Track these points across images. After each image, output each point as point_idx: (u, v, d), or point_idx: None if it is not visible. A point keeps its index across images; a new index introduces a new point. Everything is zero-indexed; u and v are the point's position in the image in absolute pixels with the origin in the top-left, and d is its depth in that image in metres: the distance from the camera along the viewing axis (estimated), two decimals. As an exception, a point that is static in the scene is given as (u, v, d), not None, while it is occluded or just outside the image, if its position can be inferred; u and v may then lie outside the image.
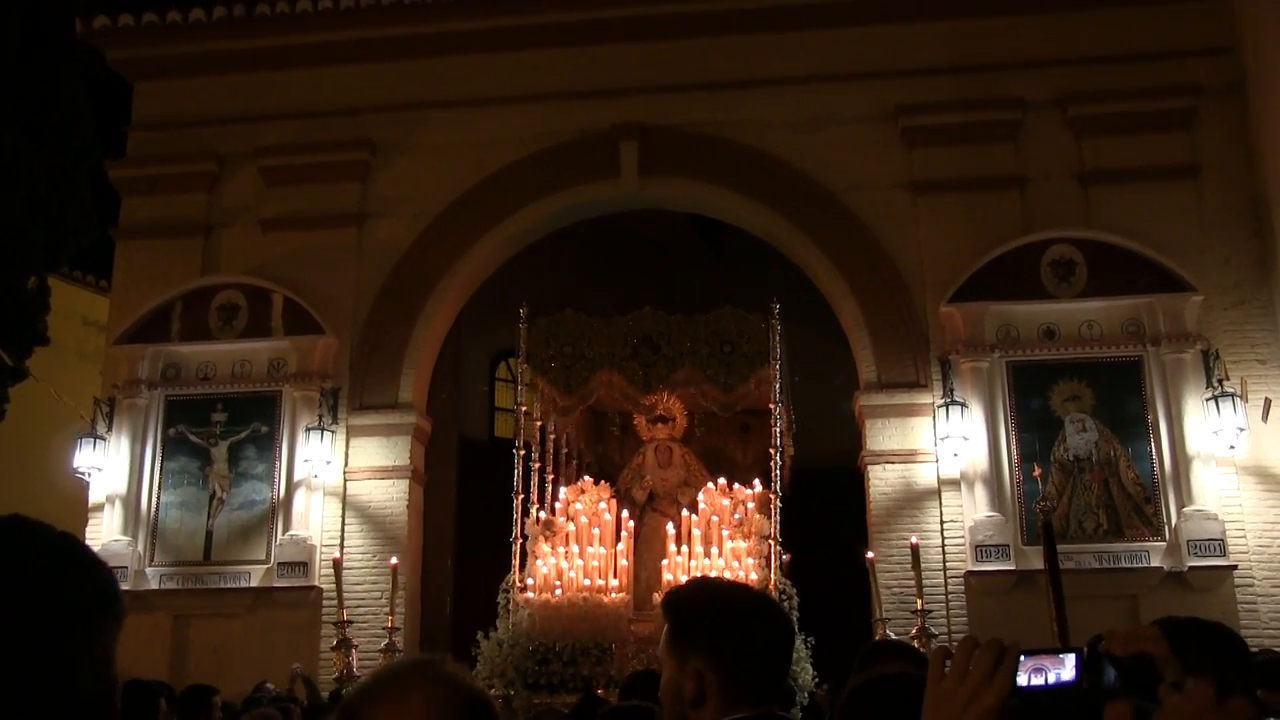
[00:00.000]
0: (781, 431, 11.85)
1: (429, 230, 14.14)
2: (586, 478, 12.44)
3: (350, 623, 11.92)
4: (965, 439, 12.62)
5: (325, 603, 13.04)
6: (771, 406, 11.76)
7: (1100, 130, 13.34)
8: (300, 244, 14.11)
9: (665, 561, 11.35)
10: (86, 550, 1.50)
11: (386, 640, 11.63)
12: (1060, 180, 13.42)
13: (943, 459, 12.80)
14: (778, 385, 11.77)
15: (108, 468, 13.61)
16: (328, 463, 13.40)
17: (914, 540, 11.94)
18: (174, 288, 13.96)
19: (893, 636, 11.28)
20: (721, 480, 12.20)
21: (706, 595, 2.69)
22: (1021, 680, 1.54)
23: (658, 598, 10.90)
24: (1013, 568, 12.27)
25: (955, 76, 13.71)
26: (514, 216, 14.16)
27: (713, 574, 10.93)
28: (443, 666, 1.73)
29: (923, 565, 12.18)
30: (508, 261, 14.73)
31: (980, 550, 12.41)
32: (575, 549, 11.49)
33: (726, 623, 2.55)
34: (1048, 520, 11.00)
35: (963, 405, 12.66)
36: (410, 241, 14.12)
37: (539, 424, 12.07)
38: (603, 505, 11.92)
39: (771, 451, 11.74)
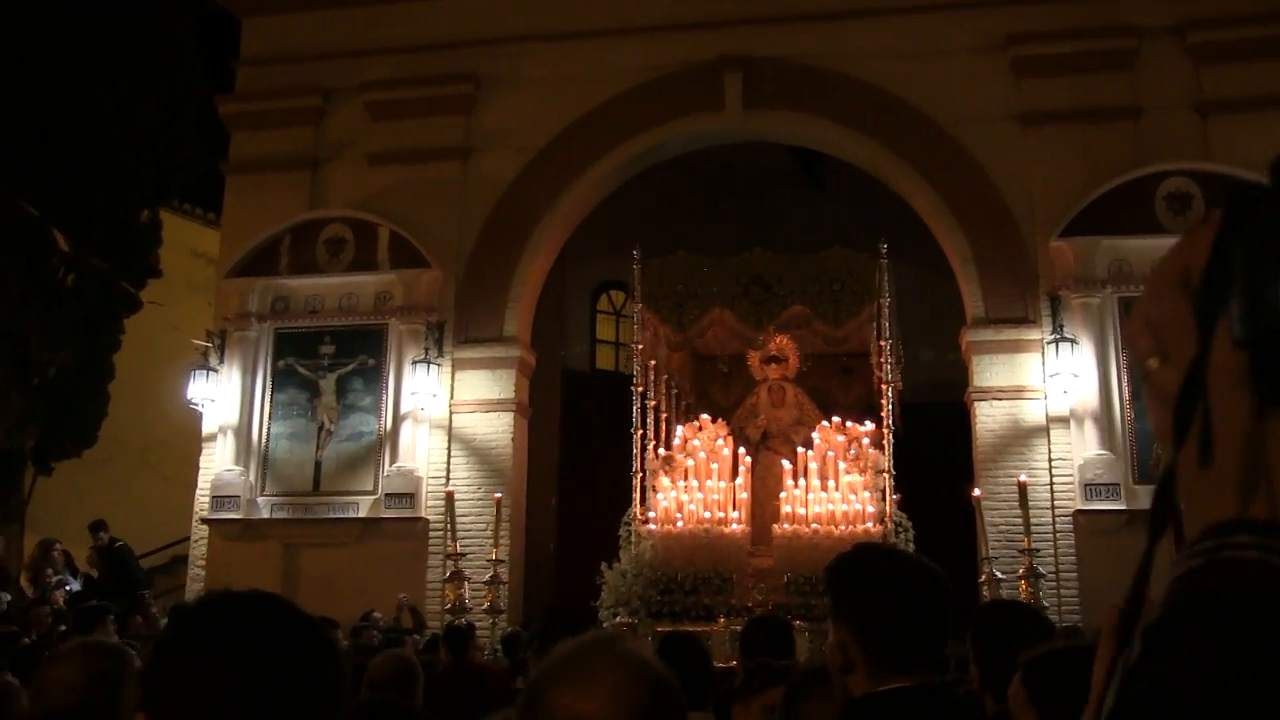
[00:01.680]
0: (891, 367, 11.82)
1: (533, 164, 14.12)
2: (704, 415, 12.48)
3: (462, 555, 12.08)
4: (1075, 376, 12.47)
5: (431, 534, 13.24)
6: (882, 344, 11.77)
7: (1220, 57, 12.93)
8: (405, 178, 14.17)
9: (783, 495, 11.42)
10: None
11: (491, 573, 11.78)
12: (1177, 110, 13.06)
13: (1052, 396, 12.66)
14: (886, 323, 11.75)
15: (220, 399, 13.87)
16: (434, 395, 13.52)
17: (1022, 478, 11.77)
18: (282, 221, 14.10)
19: (1000, 576, 11.21)
20: (835, 419, 12.21)
21: (854, 564, 2.68)
22: None
23: (776, 530, 11.21)
24: (1123, 507, 12.09)
25: (1068, 4, 13.35)
26: (618, 149, 14.09)
27: (830, 507, 11.20)
28: (625, 645, 1.71)
29: (1031, 504, 11.99)
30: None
31: (1090, 489, 12.29)
32: (694, 483, 11.55)
33: (867, 593, 2.56)
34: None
35: (1073, 341, 12.50)
36: (514, 175, 14.12)
37: (653, 364, 12.17)
38: (720, 442, 11.95)
39: (884, 387, 11.76)
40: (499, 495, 12.40)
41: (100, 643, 3.59)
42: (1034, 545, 11.65)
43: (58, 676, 3.25)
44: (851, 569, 2.65)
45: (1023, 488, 11.59)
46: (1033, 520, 11.88)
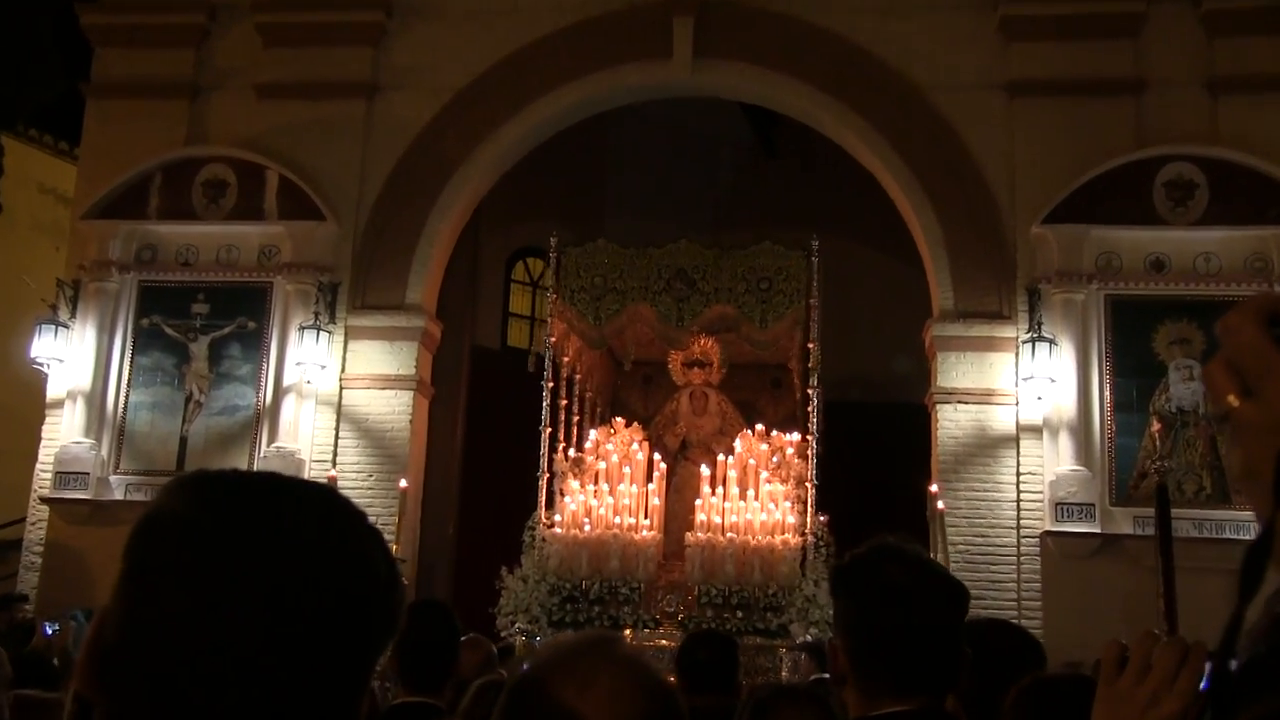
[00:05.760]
0: (814, 374, 11.58)
1: (450, 107, 13.21)
2: (618, 419, 12.32)
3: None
4: (1052, 380, 11.81)
5: (313, 524, 11.95)
6: (810, 346, 11.53)
7: (1238, 29, 12.17)
8: (301, 115, 13.24)
9: (699, 502, 11.20)
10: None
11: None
12: (1185, 87, 12.32)
13: (1024, 402, 12.01)
14: (814, 326, 11.52)
15: (70, 359, 12.94)
16: (322, 367, 12.63)
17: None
18: (153, 157, 13.14)
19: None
20: (759, 427, 11.96)
21: (856, 567, 2.57)
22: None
23: (690, 538, 10.97)
24: (1097, 530, 11.53)
25: (1067, -41, 12.72)
26: (548, 97, 13.15)
27: (748, 516, 10.97)
28: (625, 648, 1.64)
29: (994, 522, 11.99)
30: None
31: (1061, 509, 11.64)
32: (605, 487, 11.34)
33: (861, 601, 2.49)
34: (1163, 483, 10.02)
35: (1051, 342, 11.83)
36: (428, 119, 13.21)
37: (567, 360, 12.02)
38: (635, 446, 11.71)
39: (809, 392, 11.57)
40: (404, 484, 11.76)
41: None
42: (997, 569, 11.65)
43: None
44: (851, 571, 2.59)
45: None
46: (996, 540, 11.83)
